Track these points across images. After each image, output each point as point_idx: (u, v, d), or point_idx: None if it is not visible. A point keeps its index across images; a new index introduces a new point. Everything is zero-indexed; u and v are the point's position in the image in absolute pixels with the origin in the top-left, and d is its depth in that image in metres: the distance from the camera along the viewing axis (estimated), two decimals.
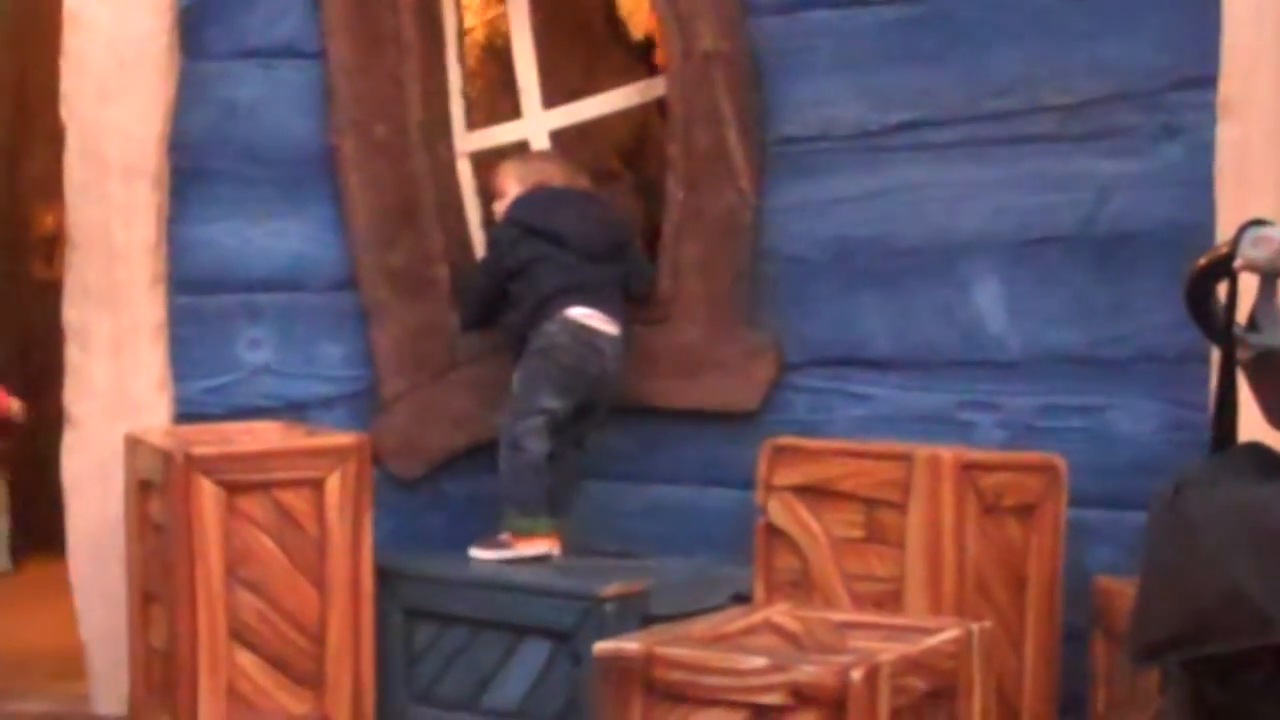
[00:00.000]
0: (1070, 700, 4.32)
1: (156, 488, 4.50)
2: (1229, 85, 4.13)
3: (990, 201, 4.57)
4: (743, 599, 4.34)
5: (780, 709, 3.06)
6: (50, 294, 5.39)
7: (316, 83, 5.15)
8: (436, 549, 4.97)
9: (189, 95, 5.07)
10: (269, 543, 4.45)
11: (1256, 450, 2.57)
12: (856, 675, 3.02)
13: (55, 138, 5.15)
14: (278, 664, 4.47)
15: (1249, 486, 2.44)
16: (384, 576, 4.65)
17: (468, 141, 5.35)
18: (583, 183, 5.21)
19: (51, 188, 5.53)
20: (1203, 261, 2.67)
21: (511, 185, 5.08)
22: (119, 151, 4.99)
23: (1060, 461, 4.30)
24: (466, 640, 4.65)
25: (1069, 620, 4.31)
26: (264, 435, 4.87)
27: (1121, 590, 3.91)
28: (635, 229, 5.32)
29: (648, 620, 4.22)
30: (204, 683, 4.37)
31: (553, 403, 4.82)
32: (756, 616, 3.51)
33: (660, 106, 5.73)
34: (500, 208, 5.09)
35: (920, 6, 4.66)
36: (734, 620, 3.49)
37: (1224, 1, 4.13)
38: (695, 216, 4.92)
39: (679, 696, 3.13)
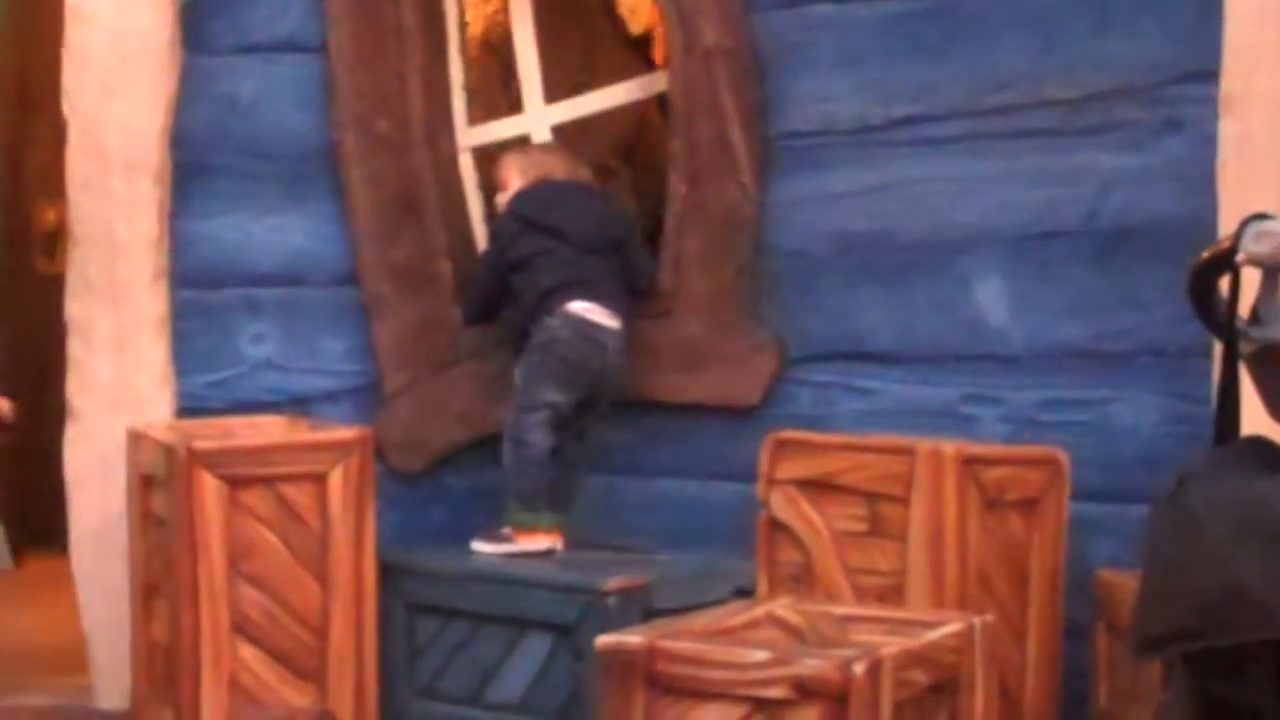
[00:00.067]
0: (1072, 694, 4.32)
1: (159, 482, 4.50)
2: (1231, 80, 4.12)
3: (992, 196, 4.57)
4: (745, 593, 4.34)
5: (782, 703, 3.06)
6: (52, 289, 5.38)
7: (318, 77, 5.15)
8: (439, 543, 4.97)
9: (191, 90, 5.07)
10: (271, 537, 4.45)
11: (1259, 444, 2.58)
12: (859, 669, 3.02)
13: (57, 132, 5.14)
14: (280, 658, 4.47)
15: (1251, 480, 2.45)
16: (386, 571, 4.65)
17: (469, 136, 5.35)
18: (585, 175, 5.21)
19: (53, 182, 5.52)
20: (1205, 256, 2.68)
21: (513, 178, 5.08)
22: (121, 146, 4.99)
23: (1062, 455, 4.30)
24: (469, 634, 4.65)
25: (1071, 614, 4.31)
26: (266, 429, 4.87)
27: (1124, 584, 3.91)
28: (636, 223, 5.32)
29: (650, 614, 4.23)
30: (206, 677, 4.38)
31: (555, 397, 4.82)
32: (759, 610, 3.51)
33: (658, 103, 5.73)
34: (502, 200, 5.09)
35: (922, 1, 4.65)
36: (736, 614, 3.50)
37: None
38: (697, 211, 4.92)
39: (681, 690, 3.14)
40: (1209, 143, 4.17)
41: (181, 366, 5.08)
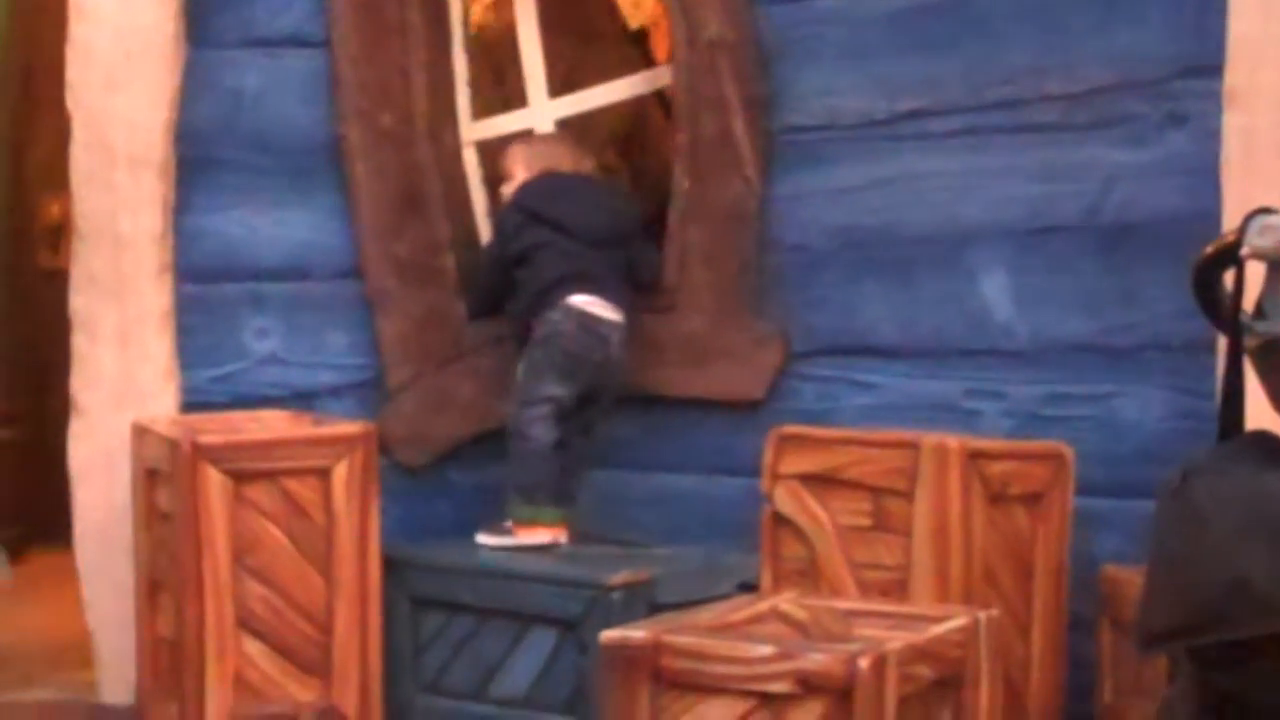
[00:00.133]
0: (1077, 688, 4.32)
1: (163, 476, 4.50)
2: (1235, 74, 4.12)
3: (996, 190, 4.57)
4: (749, 587, 4.34)
5: (787, 697, 3.06)
6: (56, 283, 5.39)
7: (322, 72, 5.14)
8: (443, 537, 4.97)
9: (195, 84, 5.07)
10: (276, 531, 4.46)
11: (1263, 438, 2.57)
12: (863, 664, 3.02)
13: (61, 127, 5.14)
14: (285, 653, 4.47)
15: (1256, 475, 2.44)
16: (391, 565, 4.65)
17: (473, 131, 5.35)
18: (589, 167, 5.21)
19: (57, 177, 5.53)
20: (1209, 250, 2.67)
21: (518, 169, 5.08)
22: (125, 141, 4.99)
23: (1067, 450, 4.29)
24: (473, 629, 4.65)
25: (1076, 608, 4.31)
26: (271, 424, 4.87)
27: (1128, 578, 3.91)
28: (641, 216, 5.32)
29: (654, 609, 4.22)
30: (211, 671, 4.38)
31: (557, 390, 4.82)
32: (763, 605, 3.51)
33: (658, 99, 5.72)
34: (507, 191, 5.09)
35: None
36: (741, 609, 3.50)
37: None
38: (701, 205, 4.92)
39: (686, 685, 3.14)
40: (1213, 137, 4.17)
41: (186, 361, 5.08)
